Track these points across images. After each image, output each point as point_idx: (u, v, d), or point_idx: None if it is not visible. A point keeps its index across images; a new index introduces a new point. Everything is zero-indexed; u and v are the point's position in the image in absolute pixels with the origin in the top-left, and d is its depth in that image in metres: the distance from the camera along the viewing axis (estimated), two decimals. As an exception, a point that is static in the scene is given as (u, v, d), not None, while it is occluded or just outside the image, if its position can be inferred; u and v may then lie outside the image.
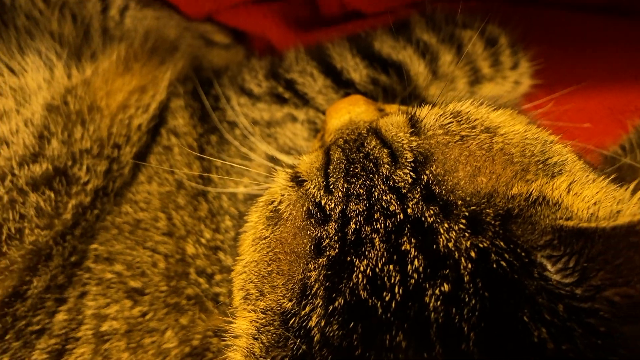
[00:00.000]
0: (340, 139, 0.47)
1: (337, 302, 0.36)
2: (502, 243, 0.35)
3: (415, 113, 0.45)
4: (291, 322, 0.38)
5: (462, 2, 0.68)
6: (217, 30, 0.82)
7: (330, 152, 0.47)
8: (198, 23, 0.82)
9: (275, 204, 0.45)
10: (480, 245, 0.34)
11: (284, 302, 0.39)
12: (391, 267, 0.36)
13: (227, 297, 0.59)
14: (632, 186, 0.40)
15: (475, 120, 0.43)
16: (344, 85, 0.66)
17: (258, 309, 0.40)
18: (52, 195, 0.59)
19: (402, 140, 0.43)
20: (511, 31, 0.66)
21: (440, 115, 0.43)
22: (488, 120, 0.44)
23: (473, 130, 0.43)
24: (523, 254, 0.34)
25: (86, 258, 0.60)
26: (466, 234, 0.36)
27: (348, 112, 0.51)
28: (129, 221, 0.62)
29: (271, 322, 0.38)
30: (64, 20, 0.72)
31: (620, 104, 0.70)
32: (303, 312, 0.37)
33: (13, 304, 0.57)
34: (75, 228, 0.60)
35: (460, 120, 0.43)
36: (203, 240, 0.63)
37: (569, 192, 0.38)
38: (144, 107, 0.63)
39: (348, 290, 0.36)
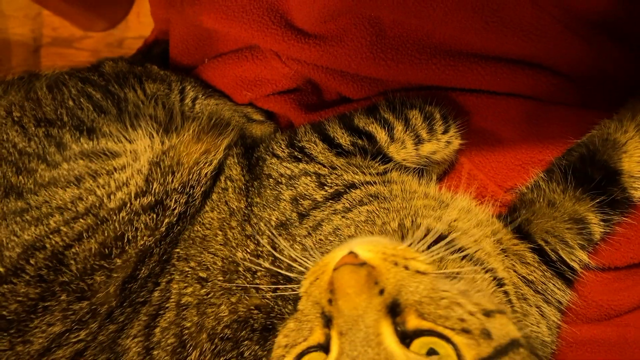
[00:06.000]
0: None
1: None
2: None
3: None
4: None
5: (412, 92, 0.92)
6: (255, 111, 1.04)
7: None
8: (243, 106, 1.05)
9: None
10: None
11: None
12: None
13: (265, 286, 0.75)
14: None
15: None
16: (335, 147, 0.85)
17: None
18: (154, 216, 0.79)
19: None
20: (443, 108, 0.87)
21: None
22: None
23: None
24: None
25: (172, 257, 0.80)
26: None
27: (355, 309, 0.56)
28: (198, 235, 0.82)
29: None
30: (157, 106, 0.96)
31: (527, 158, 0.88)
32: None
33: (130, 283, 0.77)
34: (166, 237, 0.80)
35: None
36: (248, 250, 0.80)
37: None
38: (209, 162, 0.86)
39: None
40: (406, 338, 0.56)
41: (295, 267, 0.75)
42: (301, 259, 0.69)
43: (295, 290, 0.69)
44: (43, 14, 1.74)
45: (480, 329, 0.56)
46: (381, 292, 0.57)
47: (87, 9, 1.40)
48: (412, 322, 0.56)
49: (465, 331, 0.55)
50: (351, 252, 0.60)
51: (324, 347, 0.58)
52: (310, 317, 0.61)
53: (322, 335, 0.59)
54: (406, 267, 0.60)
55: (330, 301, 0.58)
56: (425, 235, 0.70)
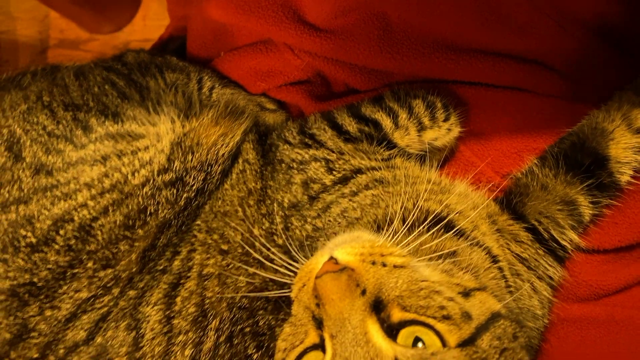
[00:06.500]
0: None
1: None
2: None
3: None
4: None
5: (416, 84, 0.97)
6: (268, 100, 1.09)
7: None
8: (256, 96, 1.09)
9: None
10: None
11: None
12: None
13: (279, 261, 0.76)
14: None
15: None
16: (343, 134, 0.90)
17: None
18: (175, 191, 0.84)
19: None
20: (444, 98, 0.92)
21: None
22: None
23: None
24: None
25: (192, 229, 0.84)
26: None
27: (341, 313, 0.60)
28: (220, 211, 0.86)
29: None
30: (177, 94, 1.01)
31: (522, 146, 0.93)
32: None
33: (150, 252, 0.81)
34: (185, 210, 0.85)
35: None
36: (263, 227, 0.85)
37: None
38: (226, 144, 0.90)
39: None
40: (393, 330, 0.60)
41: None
42: (288, 263, 0.74)
43: None
44: (50, 16, 1.80)
45: (460, 314, 0.61)
46: (363, 292, 0.62)
47: (95, 11, 1.43)
48: (396, 315, 0.61)
49: (446, 318, 0.60)
50: (331, 258, 0.65)
51: (321, 346, 0.63)
52: (304, 320, 0.66)
53: (316, 336, 0.64)
54: (384, 264, 0.65)
55: (318, 305, 0.63)
56: (426, 218, 0.76)
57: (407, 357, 0.58)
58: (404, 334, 0.60)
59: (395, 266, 0.65)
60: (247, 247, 0.82)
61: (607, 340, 0.89)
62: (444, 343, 0.59)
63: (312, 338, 0.64)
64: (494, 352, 0.60)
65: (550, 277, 0.86)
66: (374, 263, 0.65)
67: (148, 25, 1.67)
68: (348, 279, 0.62)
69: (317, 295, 0.63)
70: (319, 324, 0.64)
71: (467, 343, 0.59)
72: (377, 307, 0.62)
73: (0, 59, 1.92)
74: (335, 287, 0.61)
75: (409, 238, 0.71)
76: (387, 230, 0.71)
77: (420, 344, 0.60)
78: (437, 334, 0.60)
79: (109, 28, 1.51)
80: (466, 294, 0.65)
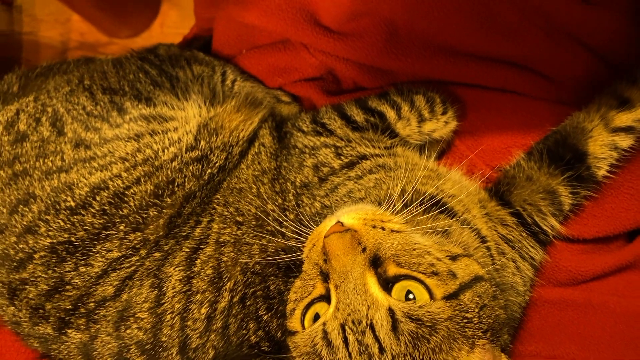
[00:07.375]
0: (349, 318, 0.67)
1: None
2: None
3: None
4: None
5: (417, 82, 1.06)
6: (284, 94, 1.18)
7: (347, 333, 0.66)
8: (273, 90, 1.18)
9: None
10: None
11: None
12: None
13: (291, 228, 0.82)
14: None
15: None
16: (351, 123, 0.98)
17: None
18: (200, 167, 0.91)
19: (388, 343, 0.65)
20: (443, 94, 1.00)
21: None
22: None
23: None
24: None
25: (212, 202, 0.91)
26: None
27: (344, 266, 0.69)
28: (236, 187, 0.93)
29: None
30: (203, 84, 1.10)
31: (511, 142, 1.01)
32: None
33: (176, 218, 0.87)
34: (208, 184, 0.92)
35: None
36: (277, 203, 0.91)
37: None
38: (245, 128, 0.98)
39: None
40: (388, 283, 0.69)
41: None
42: (299, 229, 0.82)
43: None
44: (72, 20, 1.89)
45: (447, 271, 0.70)
46: (364, 250, 0.71)
47: (115, 16, 1.50)
48: (392, 270, 0.70)
49: (435, 274, 0.69)
50: (338, 222, 0.74)
51: (326, 298, 0.72)
52: (312, 275, 0.74)
53: (323, 288, 0.72)
54: (382, 228, 0.74)
55: (325, 261, 0.72)
56: (422, 199, 0.85)
57: (398, 307, 0.67)
58: (398, 288, 0.70)
59: (392, 230, 0.74)
60: (262, 217, 0.90)
61: (584, 321, 0.96)
62: (431, 296, 0.69)
63: (319, 290, 0.73)
64: (475, 306, 0.70)
65: (532, 258, 0.95)
66: (374, 227, 0.74)
67: (165, 33, 1.76)
68: (351, 238, 0.71)
69: (325, 252, 0.72)
70: (325, 277, 0.72)
71: (451, 297, 0.68)
72: (375, 262, 0.71)
73: (22, 59, 2.02)
74: (340, 244, 0.71)
75: (404, 212, 0.80)
76: (386, 206, 0.81)
77: (411, 296, 0.70)
78: (426, 287, 0.69)
79: (127, 33, 1.60)
80: (453, 257, 0.75)
